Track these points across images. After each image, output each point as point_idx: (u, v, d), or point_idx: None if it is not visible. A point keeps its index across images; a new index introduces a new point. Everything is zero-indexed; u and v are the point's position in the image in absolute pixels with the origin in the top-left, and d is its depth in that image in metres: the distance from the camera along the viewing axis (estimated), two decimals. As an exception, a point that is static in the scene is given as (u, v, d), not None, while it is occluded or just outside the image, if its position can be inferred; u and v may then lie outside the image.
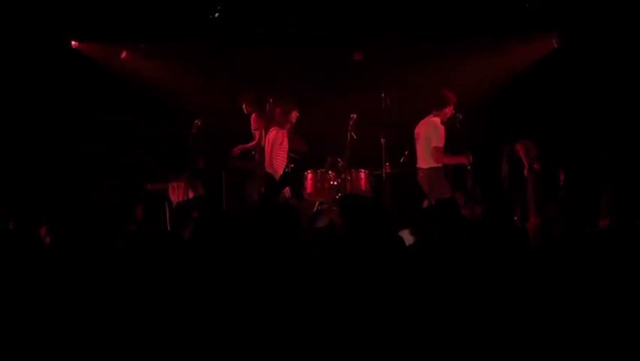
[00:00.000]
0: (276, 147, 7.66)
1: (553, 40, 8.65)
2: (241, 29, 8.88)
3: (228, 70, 9.06)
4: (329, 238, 3.82)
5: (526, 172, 7.64)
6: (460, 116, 7.53)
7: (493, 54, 8.86)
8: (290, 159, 8.13)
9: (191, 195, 8.01)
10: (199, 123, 7.67)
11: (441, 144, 7.22)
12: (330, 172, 8.10)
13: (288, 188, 7.81)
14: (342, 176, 7.95)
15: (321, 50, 8.92)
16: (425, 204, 7.38)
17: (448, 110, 7.34)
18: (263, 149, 7.88)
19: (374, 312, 2.93)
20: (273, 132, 7.71)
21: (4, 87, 8.53)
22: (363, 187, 8.02)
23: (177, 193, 8.12)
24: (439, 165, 7.25)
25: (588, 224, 6.49)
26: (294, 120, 7.81)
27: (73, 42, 9.06)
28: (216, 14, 8.78)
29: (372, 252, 3.34)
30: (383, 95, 7.89)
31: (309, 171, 8.13)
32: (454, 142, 7.61)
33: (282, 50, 8.91)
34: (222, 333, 2.84)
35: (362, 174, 8.07)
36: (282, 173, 7.72)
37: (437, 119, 7.33)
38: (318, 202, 8.00)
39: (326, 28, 8.74)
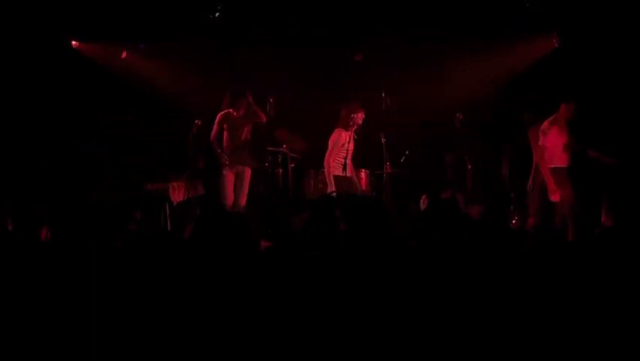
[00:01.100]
0: (337, 148, 7.48)
1: (554, 40, 8.65)
2: (241, 29, 8.88)
3: (228, 70, 9.06)
4: (329, 238, 3.81)
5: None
6: (460, 116, 7.53)
7: (493, 54, 8.86)
8: (291, 159, 8.13)
9: (191, 195, 8.01)
10: (199, 123, 7.67)
11: (545, 143, 6.94)
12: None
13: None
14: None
15: (321, 50, 8.93)
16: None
17: (566, 108, 7.02)
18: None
19: (374, 312, 2.93)
20: (336, 133, 7.55)
21: (4, 87, 8.53)
22: (364, 187, 8.04)
23: (177, 193, 8.12)
24: (551, 165, 6.96)
25: (588, 224, 6.49)
26: (360, 121, 7.59)
27: (73, 42, 9.06)
28: (216, 14, 8.78)
29: (372, 252, 3.34)
30: (383, 95, 7.90)
31: (309, 171, 8.15)
32: (453, 142, 7.63)
33: (282, 50, 8.91)
34: (222, 333, 2.84)
35: (362, 174, 8.09)
36: (339, 175, 7.49)
37: (553, 118, 7.05)
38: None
39: (326, 28, 8.74)
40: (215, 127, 7.70)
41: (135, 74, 9.19)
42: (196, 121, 7.70)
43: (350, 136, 7.56)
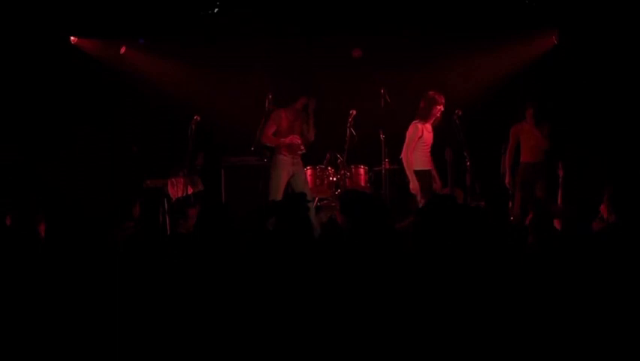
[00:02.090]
0: (414, 142, 7.14)
1: (554, 37, 8.66)
2: (240, 27, 8.87)
3: (228, 69, 9.06)
4: (329, 234, 3.81)
5: None
6: (460, 112, 7.51)
7: (492, 52, 8.87)
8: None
9: (190, 191, 8.00)
10: (198, 118, 7.64)
11: None
12: (329, 168, 8.11)
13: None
14: (342, 172, 7.96)
15: (321, 50, 8.94)
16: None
17: None
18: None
19: (374, 308, 2.93)
20: (412, 125, 7.23)
21: (3, 85, 8.51)
22: (363, 183, 8.05)
23: (176, 189, 8.12)
24: None
25: (588, 223, 6.49)
26: (438, 114, 7.23)
27: (72, 38, 9.03)
28: (215, 10, 8.74)
29: (372, 248, 3.34)
30: (382, 91, 7.88)
31: (308, 168, 8.14)
32: (452, 139, 7.62)
33: (281, 48, 8.91)
34: (222, 331, 2.83)
35: (361, 170, 8.10)
36: (423, 169, 7.18)
37: None
38: (317, 198, 8.01)
39: (326, 28, 8.75)
40: (268, 124, 7.25)
41: (135, 73, 9.17)
42: (195, 117, 7.66)
43: (428, 129, 7.25)
